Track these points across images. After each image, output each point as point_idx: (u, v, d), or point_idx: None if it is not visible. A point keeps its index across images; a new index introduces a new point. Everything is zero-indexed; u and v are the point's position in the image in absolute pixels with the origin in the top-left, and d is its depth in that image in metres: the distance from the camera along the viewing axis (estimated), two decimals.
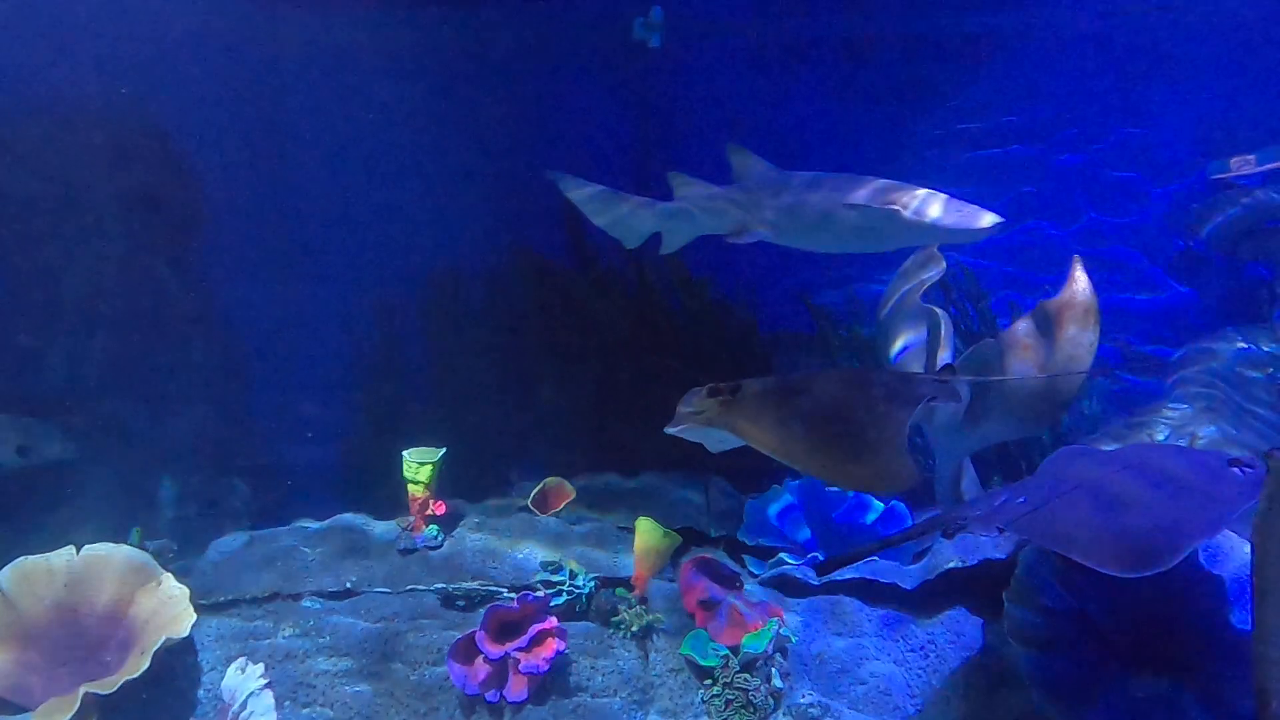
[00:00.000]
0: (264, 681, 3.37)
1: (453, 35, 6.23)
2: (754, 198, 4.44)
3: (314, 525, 4.54)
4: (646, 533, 3.91)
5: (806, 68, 6.68)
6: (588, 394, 5.45)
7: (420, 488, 4.26)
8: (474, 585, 3.93)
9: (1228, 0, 6.13)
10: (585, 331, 5.61)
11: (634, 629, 3.72)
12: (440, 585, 3.94)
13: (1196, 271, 6.47)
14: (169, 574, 3.73)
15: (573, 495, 4.65)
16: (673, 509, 4.66)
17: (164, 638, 3.39)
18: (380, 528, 4.45)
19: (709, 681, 3.61)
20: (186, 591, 3.67)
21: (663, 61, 6.51)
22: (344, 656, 3.67)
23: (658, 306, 5.71)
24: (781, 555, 4.27)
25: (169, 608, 3.59)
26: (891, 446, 2.77)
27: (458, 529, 4.35)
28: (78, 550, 3.69)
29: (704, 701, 3.58)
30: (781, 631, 3.72)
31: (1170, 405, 4.65)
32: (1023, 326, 4.05)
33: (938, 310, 4.21)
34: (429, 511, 4.28)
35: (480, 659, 3.51)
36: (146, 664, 3.28)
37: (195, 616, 3.58)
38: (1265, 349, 5.09)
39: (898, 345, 4.47)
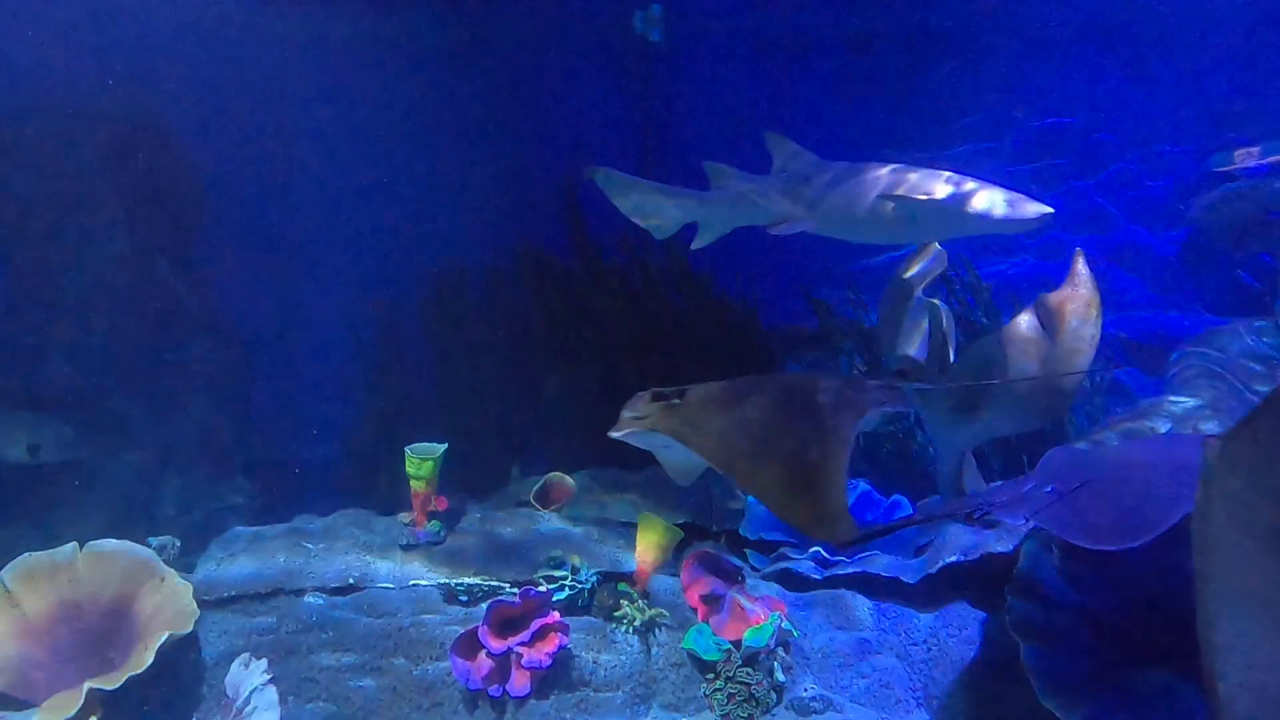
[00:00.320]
0: (267, 677, 3.39)
1: (453, 31, 6.23)
2: (798, 188, 4.28)
3: (317, 521, 4.56)
4: (649, 527, 3.92)
5: (807, 62, 6.67)
6: (590, 389, 5.44)
7: (422, 483, 4.27)
8: (476, 580, 3.94)
9: None
10: (587, 327, 5.60)
11: (636, 623, 3.72)
12: (443, 580, 3.95)
13: (1199, 263, 6.46)
14: (172, 570, 3.75)
15: (574, 490, 4.66)
16: (675, 504, 4.66)
17: (168, 634, 3.40)
18: (383, 523, 4.47)
19: (711, 676, 3.61)
20: (190, 587, 3.69)
21: (664, 56, 6.50)
22: (347, 652, 3.69)
23: (659, 302, 5.70)
24: (783, 550, 4.28)
25: (173, 604, 3.61)
26: (833, 485, 2.55)
27: (460, 524, 4.36)
28: (81, 547, 3.70)
29: (706, 695, 3.59)
30: (783, 626, 3.72)
31: (1172, 398, 4.63)
32: (1024, 320, 4.04)
33: (939, 303, 4.20)
34: (431, 507, 4.29)
35: (483, 654, 3.52)
36: (150, 660, 3.30)
37: (199, 612, 3.60)
38: (1267, 341, 5.08)
39: (899, 339, 4.46)
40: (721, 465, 2.79)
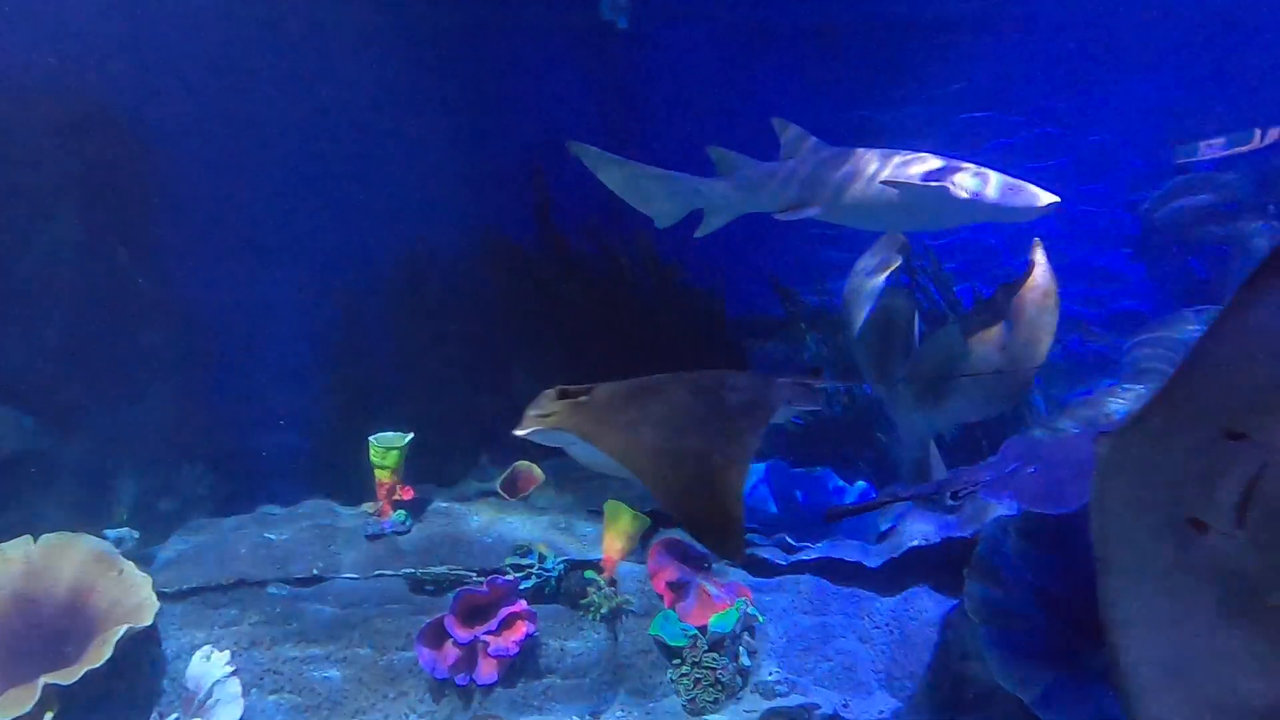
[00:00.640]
0: (230, 669, 3.36)
1: (419, 14, 6.13)
2: (805, 175, 4.23)
3: (280, 511, 4.50)
4: (615, 515, 3.93)
5: (776, 51, 6.68)
6: (557, 377, 5.41)
7: (387, 473, 4.23)
8: (442, 570, 3.92)
9: None
10: (554, 315, 5.59)
11: (603, 611, 3.74)
12: (408, 570, 3.93)
13: (1154, 256, 6.61)
14: (130, 563, 3.68)
15: (542, 479, 4.64)
16: (642, 492, 4.67)
17: (126, 627, 3.35)
18: (347, 514, 4.43)
19: (677, 661, 3.65)
20: (149, 580, 3.63)
21: (631, 42, 6.46)
22: (311, 643, 3.66)
23: (627, 290, 5.70)
24: (750, 536, 4.32)
25: (131, 596, 3.55)
26: (731, 495, 2.47)
27: (426, 514, 4.33)
28: (35, 540, 3.62)
29: (673, 680, 3.63)
30: (749, 611, 3.77)
31: (1125, 386, 4.75)
32: (984, 309, 4.12)
33: (901, 292, 4.25)
34: (396, 496, 4.26)
35: (450, 643, 3.52)
36: (108, 654, 3.25)
37: (158, 605, 3.54)
38: None
39: (861, 327, 4.50)
40: (626, 464, 2.71)
